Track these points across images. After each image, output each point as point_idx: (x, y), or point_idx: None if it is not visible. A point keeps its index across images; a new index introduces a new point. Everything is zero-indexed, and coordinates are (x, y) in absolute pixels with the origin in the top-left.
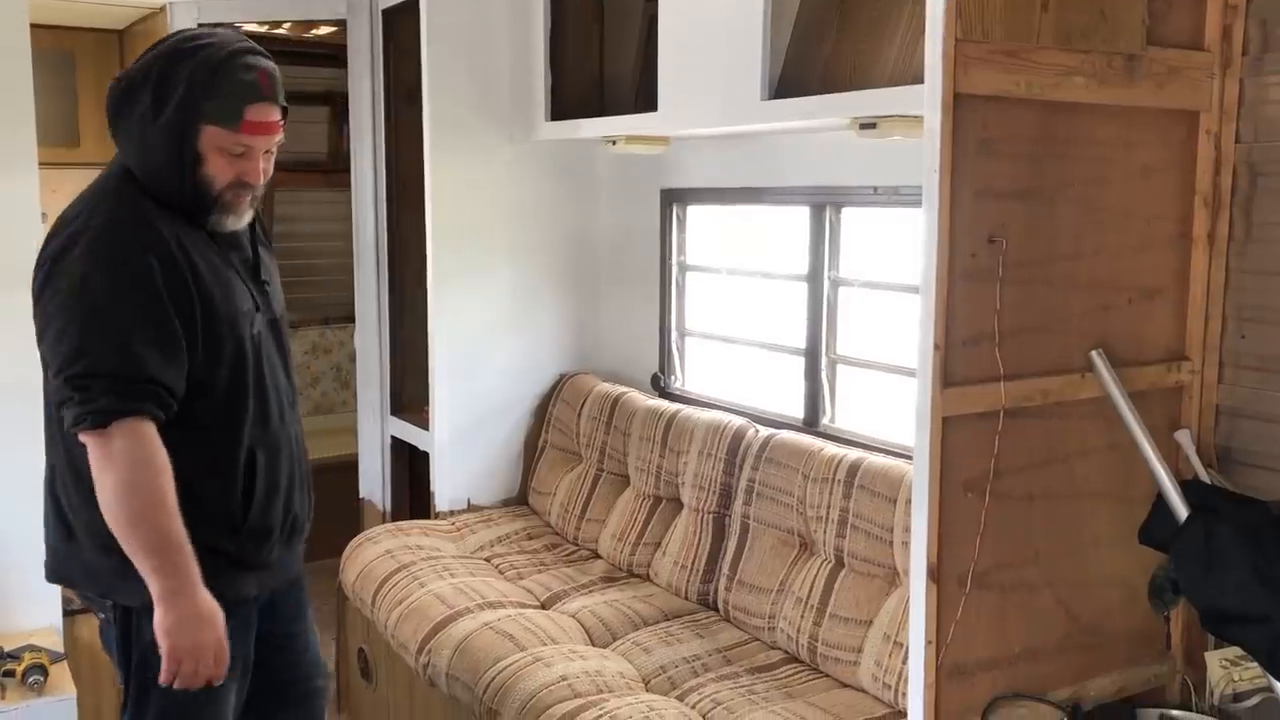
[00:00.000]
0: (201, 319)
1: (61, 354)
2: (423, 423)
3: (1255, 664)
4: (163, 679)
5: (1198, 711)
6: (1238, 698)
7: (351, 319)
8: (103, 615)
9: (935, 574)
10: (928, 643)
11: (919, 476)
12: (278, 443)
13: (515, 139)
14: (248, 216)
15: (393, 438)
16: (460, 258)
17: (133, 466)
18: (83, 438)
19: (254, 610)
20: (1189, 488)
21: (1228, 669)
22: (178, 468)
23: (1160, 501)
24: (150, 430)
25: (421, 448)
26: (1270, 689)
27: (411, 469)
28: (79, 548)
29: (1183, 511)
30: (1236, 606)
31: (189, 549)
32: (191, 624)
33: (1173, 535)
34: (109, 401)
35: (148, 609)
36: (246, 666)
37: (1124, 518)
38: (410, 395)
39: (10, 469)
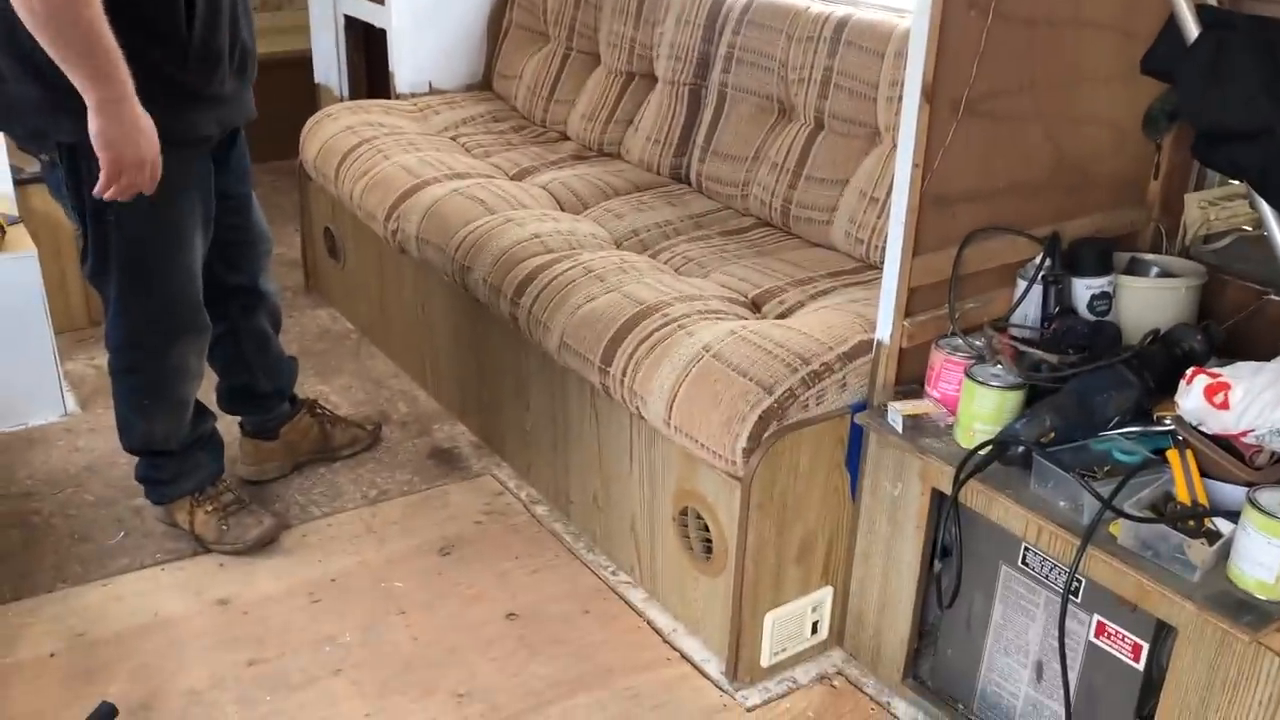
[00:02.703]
0: None
1: None
2: None
3: (1234, 204)
4: (98, 190)
5: (1168, 254)
6: (1209, 239)
7: None
8: (45, 158)
9: (930, 94)
10: (914, 166)
11: None
12: None
13: None
14: None
15: (346, 17)
16: None
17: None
18: None
19: (209, 158)
20: (1202, 10)
21: (1205, 209)
22: None
23: (1170, 25)
24: None
25: (378, 25)
26: (1242, 229)
27: (368, 52)
28: (3, 82)
29: (1193, 28)
30: (1239, 121)
31: (121, 56)
32: (132, 134)
33: (1178, 64)
34: None
35: (92, 150)
36: (208, 215)
37: (1125, 53)
38: None
39: None
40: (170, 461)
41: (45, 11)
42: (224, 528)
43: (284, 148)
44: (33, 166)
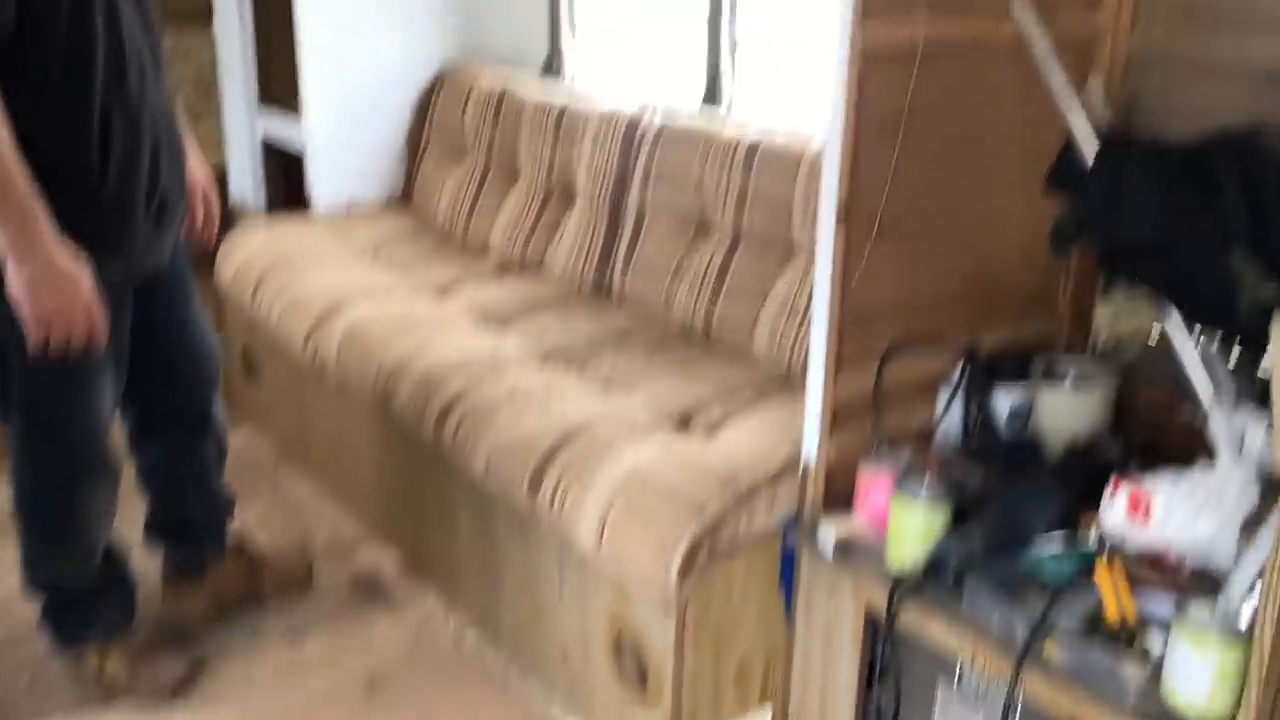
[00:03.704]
0: None
1: None
2: (295, 112)
3: (1140, 312)
4: (33, 348)
5: (1081, 360)
6: (1119, 344)
7: (205, 19)
8: None
9: (844, 217)
10: (833, 287)
11: (834, 116)
12: (138, 105)
13: None
14: None
15: (264, 138)
16: None
17: None
18: None
19: (126, 297)
20: (1100, 132)
21: (1114, 315)
22: (20, 122)
23: (1070, 145)
24: None
25: (295, 148)
26: (1150, 335)
27: (286, 173)
28: None
29: (1091, 150)
30: (1140, 236)
31: (35, 196)
32: (52, 280)
33: (1080, 179)
34: None
35: None
36: (120, 354)
37: (1032, 168)
38: (280, 91)
39: None
40: (79, 603)
41: None
42: (137, 672)
43: (197, 264)
44: None
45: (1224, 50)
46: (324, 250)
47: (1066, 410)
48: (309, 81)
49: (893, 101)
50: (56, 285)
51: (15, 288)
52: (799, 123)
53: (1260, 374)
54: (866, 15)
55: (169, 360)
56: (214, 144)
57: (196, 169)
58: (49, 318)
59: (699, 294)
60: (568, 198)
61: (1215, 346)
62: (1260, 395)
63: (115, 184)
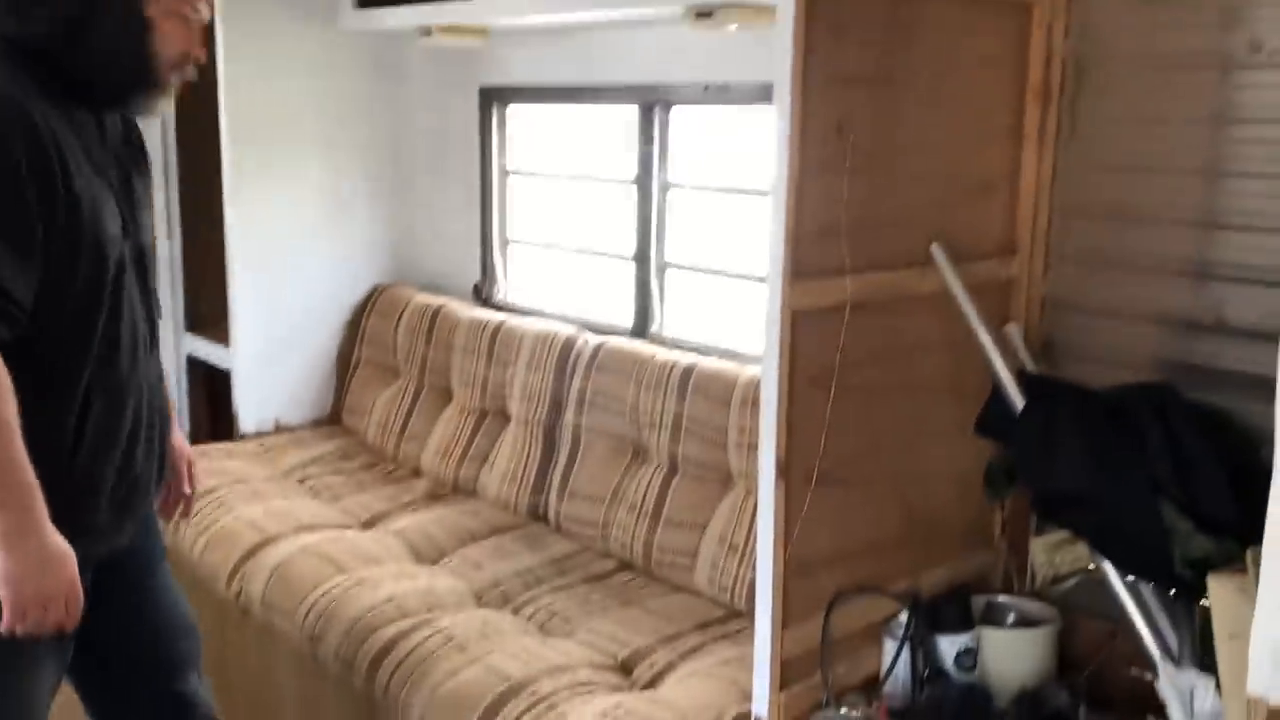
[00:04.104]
0: (63, 230)
1: None
2: (223, 338)
3: (1076, 547)
4: (4, 627)
5: (1019, 595)
6: (1056, 580)
7: None
8: None
9: (784, 470)
10: (775, 540)
11: (768, 372)
12: (123, 391)
13: (317, 27)
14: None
15: (189, 357)
16: (261, 157)
17: None
18: None
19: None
20: (1023, 378)
21: (1050, 553)
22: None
23: (996, 392)
24: None
25: (222, 366)
26: (1087, 570)
27: (210, 390)
28: None
29: (1018, 399)
30: (1071, 489)
31: (35, 481)
32: (37, 568)
33: (1009, 427)
34: None
35: None
36: (62, 637)
37: (960, 412)
38: (207, 309)
39: None
40: None
41: None
42: None
43: None
44: None
45: (1130, 295)
46: (250, 476)
47: (1012, 653)
48: (238, 304)
49: (824, 355)
50: (45, 569)
51: (3, 569)
52: (731, 340)
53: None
54: (795, 277)
55: (136, 637)
56: None
57: (180, 442)
58: (31, 601)
59: (637, 522)
60: (502, 420)
61: (1152, 592)
62: (1202, 651)
63: (85, 466)
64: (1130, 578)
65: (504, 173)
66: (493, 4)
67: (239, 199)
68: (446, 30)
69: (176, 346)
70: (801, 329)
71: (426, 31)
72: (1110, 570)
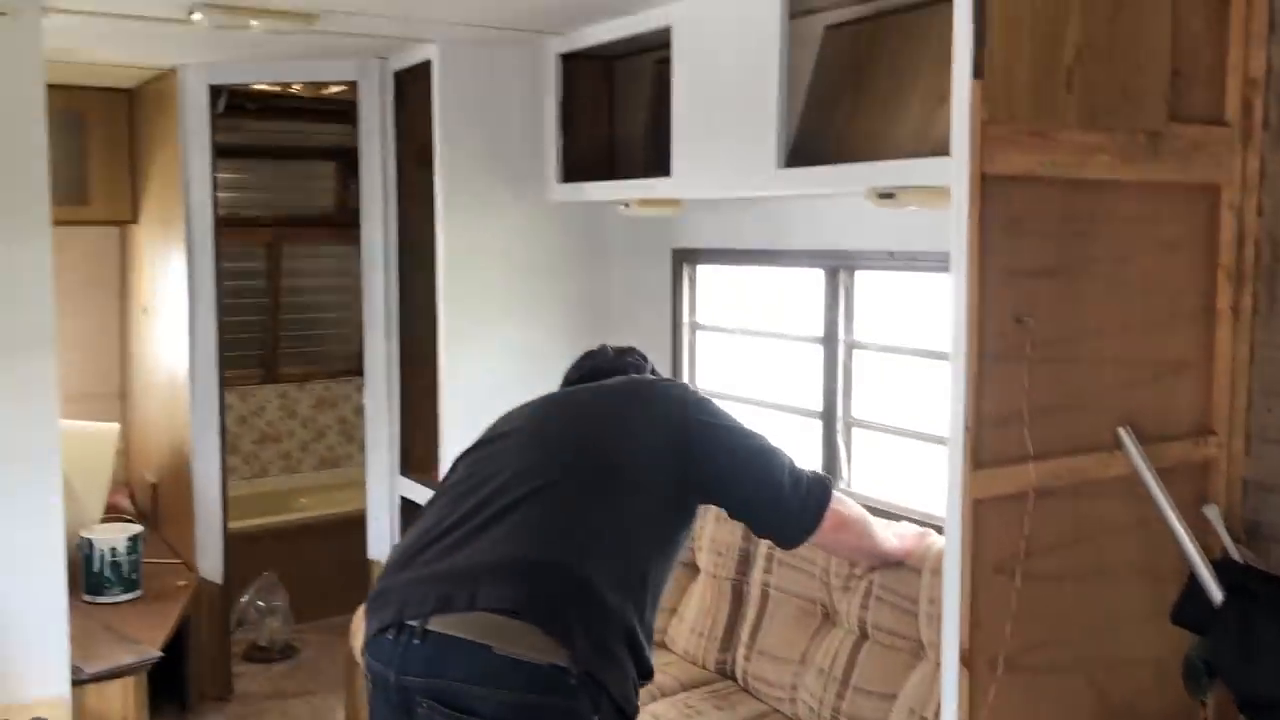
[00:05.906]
0: None
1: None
2: (433, 483)
3: None
4: None
5: None
6: None
7: (354, 371)
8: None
9: (967, 658)
10: None
11: (950, 559)
12: None
13: (527, 200)
14: None
15: (402, 498)
16: (471, 318)
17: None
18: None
19: None
20: (1221, 567)
21: None
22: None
23: (1192, 581)
24: None
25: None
26: None
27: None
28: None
29: (1216, 592)
30: (1274, 694)
31: None
32: None
33: (1207, 620)
34: (821, 492)
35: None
36: None
37: (1155, 596)
38: (420, 454)
39: (15, 539)
40: None
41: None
42: None
43: (330, 605)
44: (93, 666)
45: None
46: None
47: None
48: (449, 452)
49: (1009, 541)
50: None
51: None
52: (920, 500)
53: None
54: (976, 466)
55: None
56: (354, 486)
57: None
58: None
59: (825, 688)
60: (691, 570)
61: None
62: None
63: (651, 617)
64: None
65: (694, 329)
66: (686, 182)
67: (452, 357)
68: (643, 203)
69: (391, 488)
70: (984, 517)
71: (624, 203)
72: None
